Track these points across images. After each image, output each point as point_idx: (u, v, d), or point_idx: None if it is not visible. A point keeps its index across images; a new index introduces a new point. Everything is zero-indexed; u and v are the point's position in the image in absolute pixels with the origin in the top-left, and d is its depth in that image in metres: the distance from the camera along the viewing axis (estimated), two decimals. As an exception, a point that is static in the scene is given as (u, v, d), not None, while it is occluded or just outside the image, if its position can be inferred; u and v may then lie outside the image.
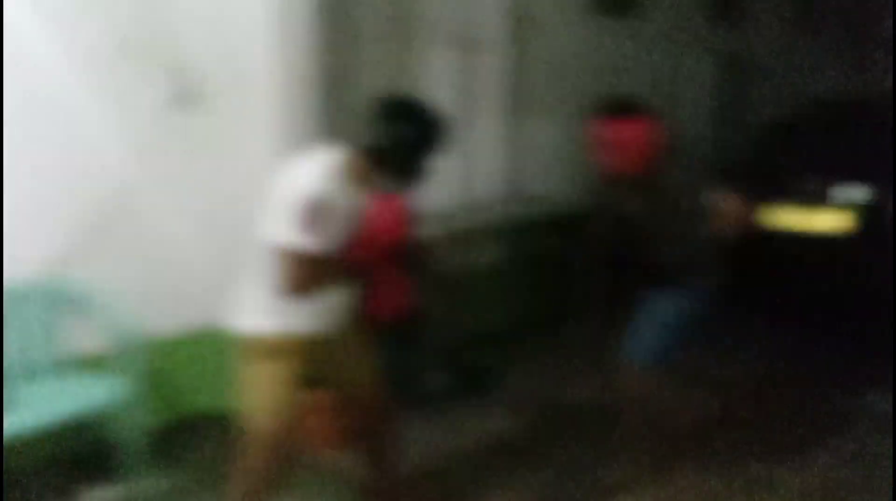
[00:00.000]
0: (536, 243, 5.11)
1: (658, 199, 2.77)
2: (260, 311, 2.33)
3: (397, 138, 2.27)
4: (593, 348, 4.62)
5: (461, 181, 4.87)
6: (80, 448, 3.25)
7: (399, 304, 2.57)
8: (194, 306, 3.57)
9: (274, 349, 2.32)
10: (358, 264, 2.30)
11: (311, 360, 2.41)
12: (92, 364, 3.21)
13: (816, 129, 5.36)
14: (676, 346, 3.02)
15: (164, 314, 3.49)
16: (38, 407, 2.89)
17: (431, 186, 4.63)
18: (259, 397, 2.35)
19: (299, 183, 2.21)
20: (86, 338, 3.23)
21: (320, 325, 2.38)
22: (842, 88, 8.89)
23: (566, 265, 5.11)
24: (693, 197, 2.86)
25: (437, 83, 4.72)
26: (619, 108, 2.83)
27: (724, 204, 2.79)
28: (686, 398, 3.27)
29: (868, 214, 4.49)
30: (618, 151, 2.77)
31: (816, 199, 4.67)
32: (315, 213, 2.16)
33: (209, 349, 3.50)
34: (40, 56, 3.11)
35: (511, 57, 5.09)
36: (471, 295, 4.63)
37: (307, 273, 2.20)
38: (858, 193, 4.56)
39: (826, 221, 4.61)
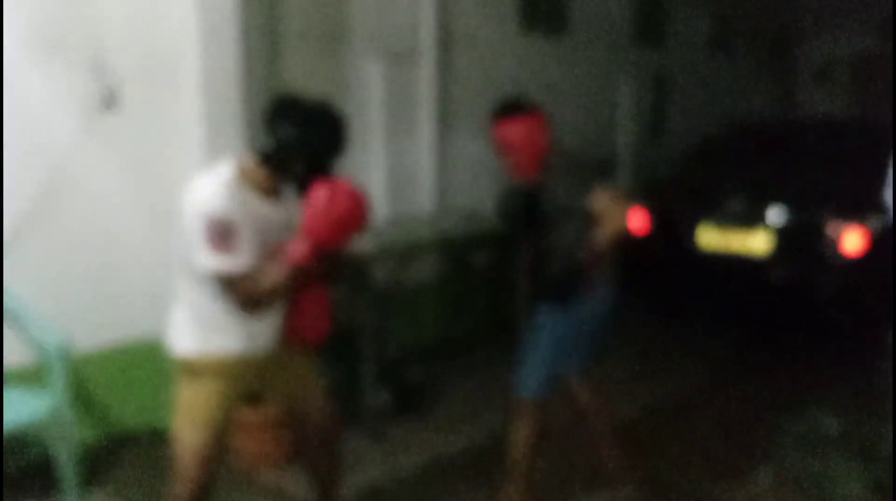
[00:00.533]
0: (468, 257, 5.12)
1: (550, 199, 2.78)
2: (186, 332, 2.27)
3: (283, 140, 2.15)
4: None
5: (392, 196, 4.82)
6: (14, 463, 3.17)
7: (322, 326, 2.46)
8: (130, 318, 3.46)
9: (201, 369, 2.25)
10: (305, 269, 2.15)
11: (244, 379, 2.34)
12: (21, 378, 3.09)
13: (738, 150, 5.56)
14: (562, 367, 2.96)
15: (98, 327, 3.37)
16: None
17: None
18: (188, 416, 2.28)
19: (197, 203, 2.10)
20: (15, 351, 3.13)
21: (252, 345, 2.29)
22: (763, 111, 9.31)
23: (498, 280, 5.14)
24: (581, 199, 2.73)
25: (368, 95, 4.67)
26: (507, 108, 2.85)
27: (599, 200, 2.67)
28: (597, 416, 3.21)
29: (789, 235, 4.66)
30: (512, 150, 2.81)
31: (739, 219, 4.82)
32: (220, 233, 2.06)
33: (144, 362, 3.43)
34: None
35: (441, 70, 5.09)
36: (405, 311, 4.60)
37: (246, 290, 2.12)
38: (780, 214, 4.72)
39: (748, 241, 4.76)
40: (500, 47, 5.71)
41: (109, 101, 3.44)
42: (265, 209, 2.19)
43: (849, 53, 9.60)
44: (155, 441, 3.18)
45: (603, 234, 2.65)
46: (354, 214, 2.16)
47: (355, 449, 3.58)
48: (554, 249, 2.82)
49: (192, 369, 2.26)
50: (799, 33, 9.80)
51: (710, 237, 4.90)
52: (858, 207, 4.63)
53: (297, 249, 2.11)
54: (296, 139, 2.15)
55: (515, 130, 2.79)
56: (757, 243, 4.70)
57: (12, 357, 3.17)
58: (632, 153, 7.18)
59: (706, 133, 6.29)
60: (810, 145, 5.40)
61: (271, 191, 2.22)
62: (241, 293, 2.12)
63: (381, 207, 4.78)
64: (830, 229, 4.49)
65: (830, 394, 4.16)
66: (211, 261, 2.07)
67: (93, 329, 3.38)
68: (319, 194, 2.11)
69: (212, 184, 2.11)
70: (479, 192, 5.46)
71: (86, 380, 3.34)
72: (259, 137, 2.20)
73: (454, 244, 4.95)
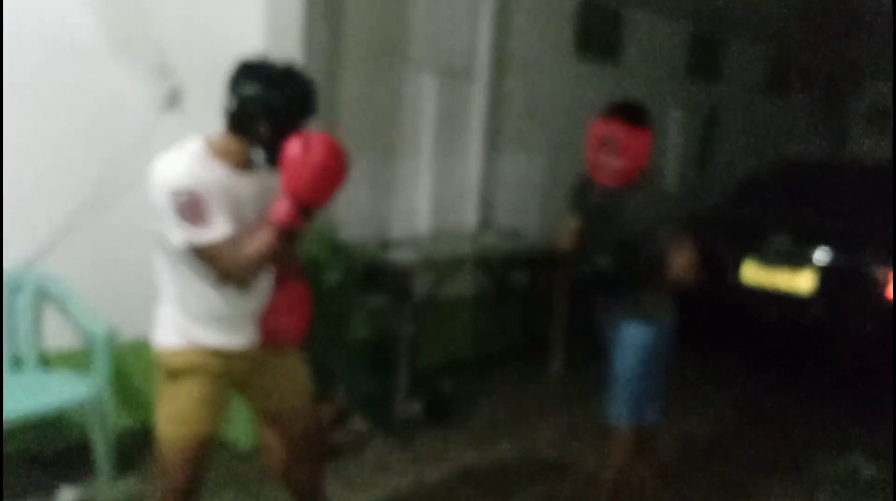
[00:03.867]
0: (506, 275, 5.16)
1: (629, 216, 2.73)
2: (166, 326, 2.18)
3: (245, 99, 2.05)
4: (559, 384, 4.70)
5: (437, 209, 4.89)
6: (52, 446, 3.25)
7: (301, 323, 2.42)
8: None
9: (182, 364, 2.16)
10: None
11: (227, 375, 2.21)
12: (66, 361, 3.19)
13: (786, 188, 5.52)
14: (648, 395, 2.87)
15: (141, 317, 3.46)
16: (21, 400, 2.88)
17: (407, 214, 4.73)
18: (170, 414, 2.18)
19: (161, 178, 1.99)
20: (60, 335, 3.25)
21: (234, 339, 2.18)
22: (812, 152, 9.21)
23: (534, 299, 5.17)
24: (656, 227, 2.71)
25: (422, 110, 4.76)
26: (633, 112, 2.77)
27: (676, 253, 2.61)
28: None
29: (834, 275, 4.60)
30: (619, 152, 2.72)
31: (784, 257, 4.78)
32: (189, 205, 1.96)
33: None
34: (37, 48, 3.12)
35: (494, 91, 5.16)
36: (444, 323, 4.64)
37: (230, 258, 2.02)
38: (826, 254, 4.67)
39: (793, 279, 4.72)
40: (554, 72, 5.77)
41: (172, 101, 3.57)
42: (236, 180, 2.09)
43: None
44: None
45: (671, 275, 2.60)
46: (333, 163, 2.05)
47: (384, 456, 3.64)
48: (636, 269, 2.77)
49: (173, 364, 2.17)
50: (852, 78, 9.68)
51: (755, 273, 4.86)
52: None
53: (280, 207, 2.03)
54: (258, 98, 2.05)
55: (634, 136, 2.73)
56: (801, 281, 4.66)
57: (57, 341, 3.29)
58: (678, 184, 7.16)
59: (754, 169, 6.26)
60: (858, 188, 5.33)
61: (242, 162, 2.11)
62: (226, 262, 2.02)
63: (425, 220, 4.85)
64: (876, 272, 4.43)
65: (868, 437, 4.09)
66: (186, 235, 1.98)
67: (136, 319, 3.47)
68: (294, 146, 2.02)
69: (176, 158, 2.03)
70: (521, 212, 5.51)
71: (126, 368, 3.41)
72: (224, 99, 2.12)
73: (493, 262, 4.99)
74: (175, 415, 2.17)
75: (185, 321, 2.15)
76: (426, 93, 4.78)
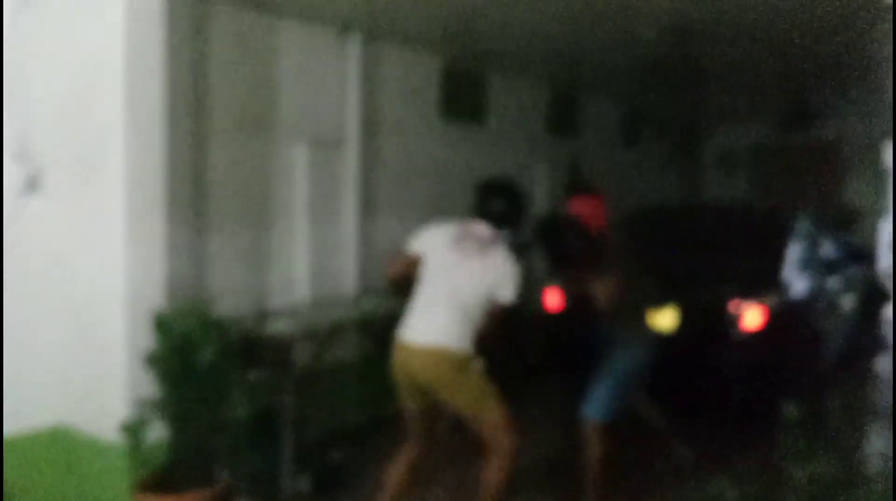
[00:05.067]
0: (390, 338, 5.17)
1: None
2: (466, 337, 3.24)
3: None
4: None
5: (315, 278, 4.89)
6: None
7: None
8: (46, 406, 3.39)
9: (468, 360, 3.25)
10: None
11: None
12: None
13: (646, 233, 5.85)
14: (627, 399, 3.82)
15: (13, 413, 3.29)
16: None
17: (284, 284, 4.71)
18: (486, 395, 3.26)
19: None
20: None
21: None
22: (669, 197, 9.83)
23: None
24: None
25: (293, 179, 4.79)
26: (579, 187, 3.74)
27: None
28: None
29: (694, 313, 4.89)
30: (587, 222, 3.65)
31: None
32: None
33: (53, 452, 3.32)
34: None
35: (365, 157, 5.26)
36: (328, 392, 4.59)
37: None
38: (685, 293, 4.96)
39: (656, 319, 4.96)
40: (422, 135, 5.96)
41: (32, 185, 3.46)
42: None
43: (748, 144, 10.30)
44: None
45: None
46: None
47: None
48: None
49: (465, 361, 3.20)
50: (702, 126, 10.47)
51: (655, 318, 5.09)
52: (758, 286, 4.93)
53: None
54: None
55: (584, 205, 3.84)
56: (664, 320, 4.92)
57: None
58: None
59: (615, 218, 6.59)
60: (713, 229, 5.74)
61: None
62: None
63: (304, 288, 4.84)
64: (732, 307, 4.75)
65: (732, 462, 4.31)
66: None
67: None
68: None
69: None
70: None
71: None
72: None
73: (376, 325, 5.01)
74: (491, 394, 3.25)
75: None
76: (297, 161, 4.82)
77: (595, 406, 3.71)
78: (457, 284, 3.25)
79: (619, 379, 3.75)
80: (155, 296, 3.66)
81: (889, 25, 5.44)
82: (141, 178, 3.66)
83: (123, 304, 3.58)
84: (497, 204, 3.42)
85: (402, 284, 3.47)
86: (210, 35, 4.17)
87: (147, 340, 3.47)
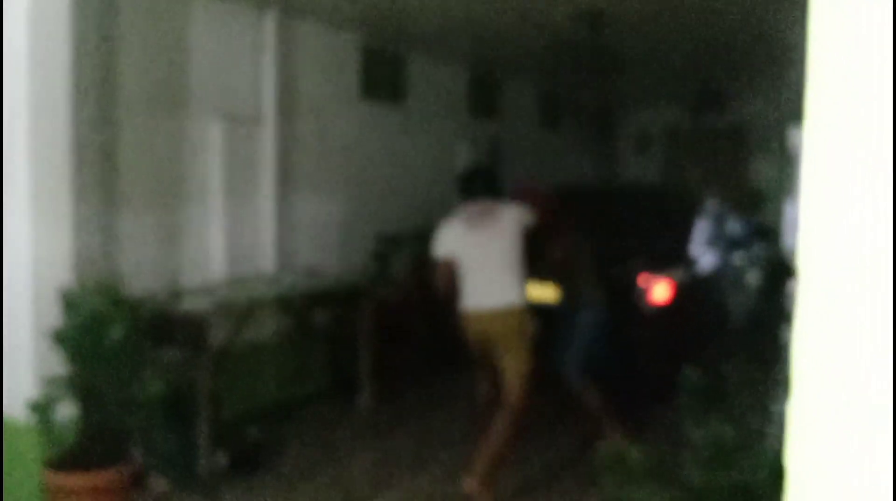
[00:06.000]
0: (308, 316, 5.18)
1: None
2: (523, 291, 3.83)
3: None
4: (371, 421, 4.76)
5: (232, 256, 4.84)
6: None
7: None
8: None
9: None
10: None
11: None
12: None
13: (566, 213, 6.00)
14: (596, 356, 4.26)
15: None
16: None
17: (201, 261, 4.65)
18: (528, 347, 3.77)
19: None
20: None
21: None
22: (585, 177, 10.07)
23: (339, 337, 5.23)
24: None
25: (208, 157, 4.72)
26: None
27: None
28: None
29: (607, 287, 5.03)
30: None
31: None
32: None
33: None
34: None
35: (282, 134, 5.22)
36: (243, 370, 4.57)
37: None
38: (604, 269, 5.09)
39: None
40: (341, 114, 5.94)
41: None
42: None
43: (662, 127, 10.63)
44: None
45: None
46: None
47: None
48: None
49: (525, 314, 3.79)
50: (618, 109, 10.74)
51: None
52: (665, 261, 5.13)
53: None
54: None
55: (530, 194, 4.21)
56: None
57: None
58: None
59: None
60: (626, 208, 5.93)
61: None
62: None
63: (220, 267, 4.79)
64: (641, 281, 4.94)
65: (643, 428, 4.51)
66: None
67: None
68: None
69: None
70: (320, 251, 5.58)
71: None
72: None
73: (294, 302, 5.01)
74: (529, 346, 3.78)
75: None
76: (212, 137, 4.75)
77: (577, 363, 4.25)
78: (491, 252, 3.79)
79: (589, 336, 4.30)
80: (63, 274, 3.57)
81: (798, 11, 5.71)
82: (47, 154, 3.56)
83: (29, 282, 3.48)
84: (485, 182, 3.91)
85: (454, 287, 3.88)
86: (120, 9, 4.07)
87: (55, 318, 3.39)
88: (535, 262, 4.01)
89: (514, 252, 3.81)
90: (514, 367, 3.73)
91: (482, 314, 3.79)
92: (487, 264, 3.80)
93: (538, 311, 4.89)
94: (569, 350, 4.31)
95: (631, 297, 4.94)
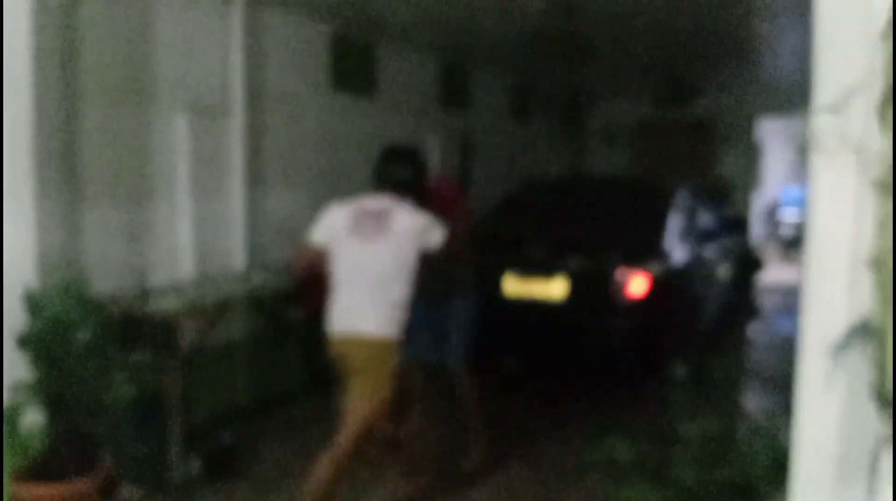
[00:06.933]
0: (280, 314, 5.05)
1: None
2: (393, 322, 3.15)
3: None
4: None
5: (200, 253, 4.70)
6: None
7: None
8: None
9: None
10: None
11: None
12: None
13: (536, 205, 5.97)
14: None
15: None
16: None
17: (167, 260, 4.50)
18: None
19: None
20: None
21: None
22: (558, 170, 10.07)
23: (312, 335, 5.11)
24: None
25: (174, 150, 4.57)
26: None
27: None
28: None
29: (582, 281, 5.02)
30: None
31: (538, 268, 5.15)
32: None
33: None
34: None
35: (251, 127, 5.08)
36: (214, 371, 4.44)
37: None
38: (574, 262, 5.09)
39: (547, 288, 5.09)
40: (311, 106, 5.81)
41: None
42: None
43: (630, 119, 10.65)
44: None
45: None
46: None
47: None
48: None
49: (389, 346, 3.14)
50: (587, 100, 10.74)
51: (514, 286, 5.19)
52: (641, 254, 5.11)
53: None
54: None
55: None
56: (554, 289, 5.04)
57: None
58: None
59: (507, 190, 6.70)
60: (599, 200, 5.91)
61: None
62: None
63: (188, 265, 4.64)
64: (618, 274, 4.91)
65: (624, 423, 4.48)
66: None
67: None
68: None
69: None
70: (290, 248, 5.45)
71: None
72: None
73: (266, 301, 4.88)
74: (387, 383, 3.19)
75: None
76: (178, 130, 4.60)
77: (459, 353, 3.98)
78: (367, 269, 3.14)
79: (469, 326, 4.02)
80: (26, 274, 3.42)
81: (765, 4, 5.72)
82: (7, 151, 3.41)
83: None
84: (399, 170, 3.34)
85: (310, 276, 3.49)
86: (82, 0, 3.90)
87: (19, 320, 3.24)
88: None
89: (400, 273, 3.15)
90: (359, 402, 3.17)
91: (345, 339, 3.19)
92: (363, 282, 3.14)
93: (541, 310, 4.79)
94: (448, 340, 3.96)
95: (607, 290, 4.91)
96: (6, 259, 3.40)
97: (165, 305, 3.96)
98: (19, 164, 3.45)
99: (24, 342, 3.19)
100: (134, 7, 4.28)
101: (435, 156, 7.42)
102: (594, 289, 4.98)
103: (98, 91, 4.04)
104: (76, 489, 3.13)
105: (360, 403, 3.16)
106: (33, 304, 3.24)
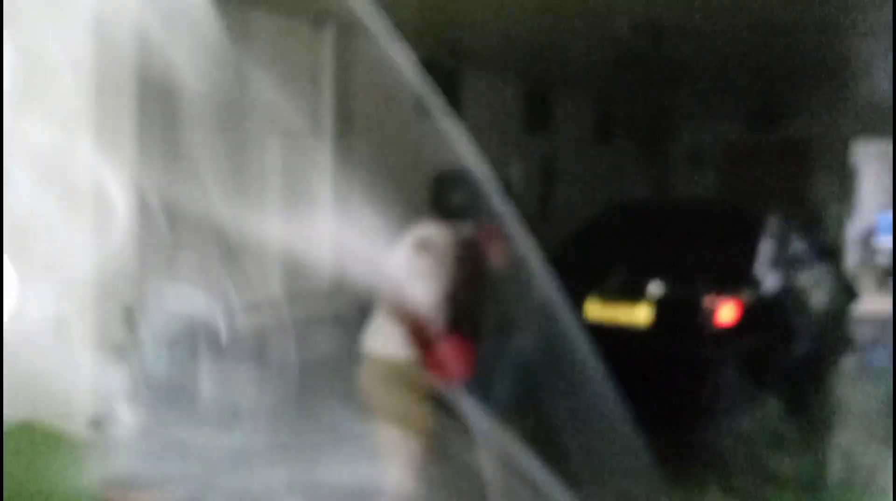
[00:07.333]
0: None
1: None
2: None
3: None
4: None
5: (290, 270, 4.83)
6: None
7: None
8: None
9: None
10: None
11: None
12: None
13: (620, 229, 5.89)
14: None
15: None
16: None
17: (259, 277, 4.64)
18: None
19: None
20: None
21: None
22: (642, 193, 9.92)
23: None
24: None
25: (268, 170, 4.72)
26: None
27: None
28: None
29: (669, 307, 4.92)
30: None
31: (622, 293, 5.07)
32: None
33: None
34: None
35: (342, 149, 5.21)
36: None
37: None
38: (660, 288, 4.99)
39: (631, 313, 5.01)
40: (398, 129, 5.92)
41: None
42: None
43: (718, 141, 10.42)
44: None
45: None
46: None
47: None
48: None
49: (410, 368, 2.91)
50: (673, 123, 10.58)
51: (596, 311, 5.12)
52: (731, 281, 4.97)
53: None
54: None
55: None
56: (639, 315, 4.95)
57: None
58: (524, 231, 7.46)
59: (590, 214, 6.63)
60: (687, 225, 5.78)
61: None
62: None
63: (280, 281, 4.77)
64: (707, 301, 4.79)
65: (715, 453, 4.34)
66: None
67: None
68: None
69: None
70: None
71: None
72: None
73: (352, 318, 4.94)
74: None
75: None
76: (271, 151, 4.75)
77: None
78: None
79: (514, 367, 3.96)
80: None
81: (859, 26, 5.53)
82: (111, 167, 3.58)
83: None
84: (454, 197, 3.16)
85: None
86: None
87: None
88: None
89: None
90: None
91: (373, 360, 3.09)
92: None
93: (624, 336, 4.60)
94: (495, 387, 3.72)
95: (696, 318, 4.79)
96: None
97: (259, 319, 4.06)
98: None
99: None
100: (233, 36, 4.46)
101: (518, 180, 7.45)
102: (681, 316, 4.86)
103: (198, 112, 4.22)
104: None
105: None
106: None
